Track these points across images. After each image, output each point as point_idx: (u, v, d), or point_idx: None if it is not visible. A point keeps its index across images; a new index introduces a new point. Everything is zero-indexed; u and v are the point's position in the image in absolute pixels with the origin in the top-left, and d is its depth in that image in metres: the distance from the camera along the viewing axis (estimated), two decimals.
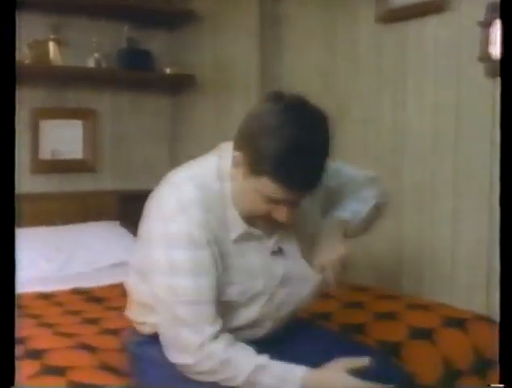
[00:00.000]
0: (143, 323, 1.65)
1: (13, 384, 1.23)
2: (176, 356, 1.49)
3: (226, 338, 1.47)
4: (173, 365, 1.51)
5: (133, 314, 1.69)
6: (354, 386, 1.44)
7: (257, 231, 1.54)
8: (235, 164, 1.47)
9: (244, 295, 1.54)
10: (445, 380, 1.97)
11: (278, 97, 1.44)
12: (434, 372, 1.96)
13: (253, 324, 1.58)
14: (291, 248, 1.60)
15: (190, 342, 1.45)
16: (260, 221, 1.52)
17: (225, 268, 1.50)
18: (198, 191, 1.48)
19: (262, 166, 1.40)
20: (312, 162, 1.40)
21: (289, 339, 1.68)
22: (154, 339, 1.59)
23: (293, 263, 1.59)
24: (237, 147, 1.47)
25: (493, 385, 1.72)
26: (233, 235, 1.51)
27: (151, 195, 1.57)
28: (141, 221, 1.58)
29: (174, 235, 1.45)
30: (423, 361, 1.97)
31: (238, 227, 1.51)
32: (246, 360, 1.45)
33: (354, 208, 1.67)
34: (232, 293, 1.52)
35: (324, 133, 1.43)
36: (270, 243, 1.57)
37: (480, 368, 2.07)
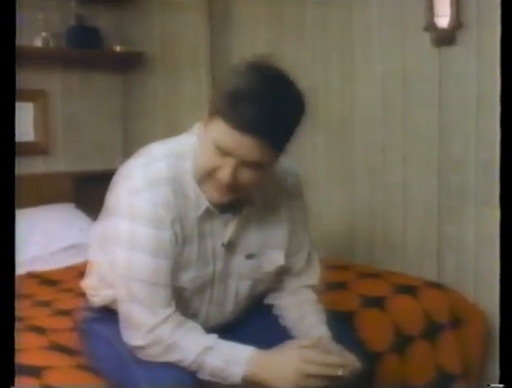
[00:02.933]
0: (96, 295, 1.63)
1: (13, 384, 1.22)
2: (128, 336, 1.48)
3: (176, 319, 1.46)
4: (121, 345, 1.50)
5: (89, 284, 1.67)
6: (303, 366, 1.40)
7: (217, 212, 1.50)
8: (203, 123, 1.45)
9: (194, 283, 1.52)
10: (395, 345, 2.00)
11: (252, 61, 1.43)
12: (385, 338, 2.00)
13: (197, 316, 1.57)
14: (244, 244, 1.57)
15: (143, 322, 1.44)
16: (212, 190, 1.45)
17: (183, 251, 1.48)
18: (169, 169, 1.45)
19: (216, 105, 1.38)
20: (267, 107, 1.34)
21: (242, 320, 1.67)
22: (104, 315, 1.59)
23: (238, 261, 1.58)
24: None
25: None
26: (200, 211, 1.48)
27: (123, 165, 1.53)
28: (110, 188, 1.54)
29: (139, 210, 1.43)
30: (374, 329, 2.00)
31: (203, 203, 1.48)
32: (193, 342, 1.44)
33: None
34: (184, 278, 1.50)
35: (289, 92, 1.40)
36: (226, 233, 1.54)
37: (430, 332, 2.12)
